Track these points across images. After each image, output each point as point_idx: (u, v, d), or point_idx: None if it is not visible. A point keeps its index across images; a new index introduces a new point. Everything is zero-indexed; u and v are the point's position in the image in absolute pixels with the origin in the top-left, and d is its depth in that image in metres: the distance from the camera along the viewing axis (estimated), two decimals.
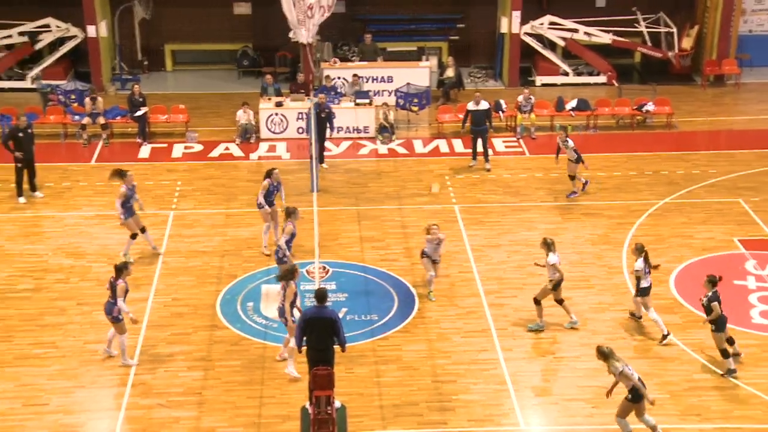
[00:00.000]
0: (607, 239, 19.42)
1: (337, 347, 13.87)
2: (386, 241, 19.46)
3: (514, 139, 25.03)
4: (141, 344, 15.82)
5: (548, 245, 16.08)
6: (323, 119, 22.56)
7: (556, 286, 16.17)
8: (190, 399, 14.53)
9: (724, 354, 15.07)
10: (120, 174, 18.15)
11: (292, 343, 14.65)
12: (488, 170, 22.71)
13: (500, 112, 25.49)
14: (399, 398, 14.60)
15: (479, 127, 22.81)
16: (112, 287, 15.02)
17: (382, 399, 14.59)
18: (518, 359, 15.52)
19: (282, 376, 15.05)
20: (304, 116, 24.40)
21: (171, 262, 18.54)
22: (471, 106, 22.91)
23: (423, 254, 17.30)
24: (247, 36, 30.53)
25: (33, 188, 21.17)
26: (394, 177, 22.70)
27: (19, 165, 20.82)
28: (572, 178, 21.32)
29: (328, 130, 22.97)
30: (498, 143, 24.43)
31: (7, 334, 16.07)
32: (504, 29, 29.33)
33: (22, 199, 20.91)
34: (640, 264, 16.03)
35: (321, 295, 13.91)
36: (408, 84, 26.27)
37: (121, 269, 15.06)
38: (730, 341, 15.27)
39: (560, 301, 16.38)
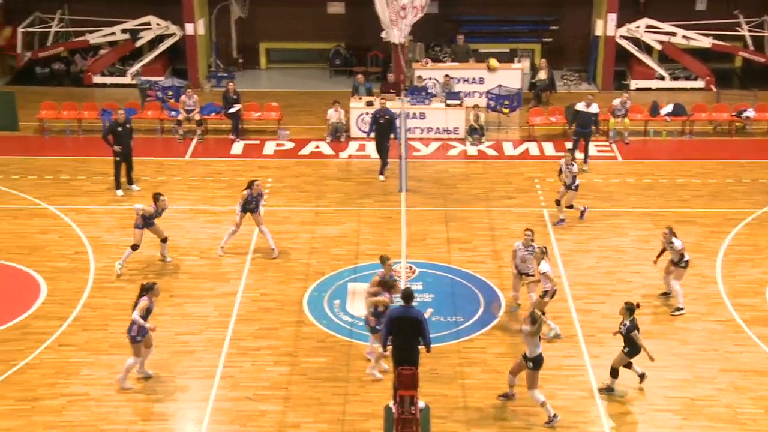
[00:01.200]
0: (701, 247, 18.98)
1: (422, 347, 13.90)
2: (473, 243, 19.41)
3: (607, 143, 24.68)
4: (229, 337, 16.10)
5: (543, 253, 15.83)
6: (383, 126, 22.40)
7: (548, 295, 15.83)
8: (276, 393, 14.73)
9: (614, 373, 14.65)
10: (154, 197, 18.15)
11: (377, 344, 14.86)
12: (585, 171, 22.51)
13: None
14: (483, 401, 14.55)
15: (585, 129, 22.75)
16: (135, 304, 14.69)
17: (466, 401, 14.56)
18: (605, 366, 15.24)
19: (366, 374, 15.14)
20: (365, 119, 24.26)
21: (260, 258, 18.82)
22: (581, 106, 22.80)
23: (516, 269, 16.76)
24: (340, 35, 30.77)
25: (130, 181, 21.73)
26: (483, 179, 22.62)
27: (118, 159, 21.39)
28: (558, 203, 20.20)
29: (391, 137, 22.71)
30: (590, 147, 24.09)
31: (103, 322, 16.54)
32: (599, 32, 28.93)
33: (119, 192, 21.48)
34: (679, 243, 16.62)
35: (407, 294, 13.95)
36: (499, 86, 26.12)
37: (147, 289, 14.66)
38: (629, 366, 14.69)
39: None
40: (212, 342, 16.00)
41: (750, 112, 25.30)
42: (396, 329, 13.80)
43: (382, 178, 22.59)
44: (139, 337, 14.61)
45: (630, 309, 14.41)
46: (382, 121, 22.36)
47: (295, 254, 18.97)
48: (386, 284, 15.01)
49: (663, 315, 16.72)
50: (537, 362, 13.93)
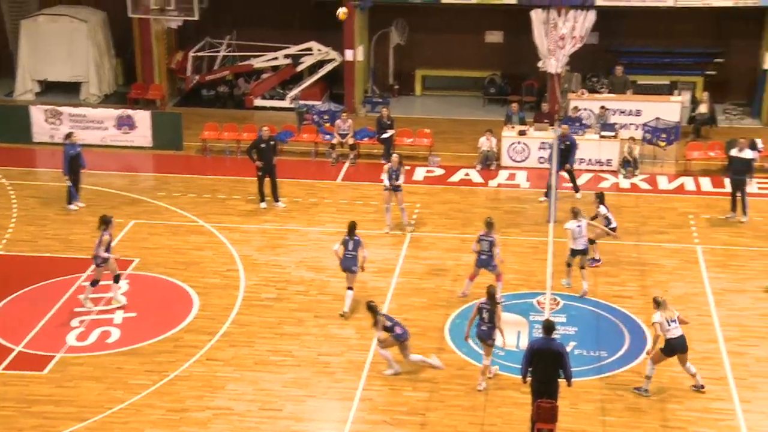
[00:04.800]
0: None
1: (562, 380, 13.71)
2: (621, 278, 18.99)
3: None
4: (370, 360, 16.28)
5: (658, 303, 15.14)
6: (563, 150, 22.34)
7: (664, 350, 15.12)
8: (414, 419, 14.79)
9: None
10: (105, 221, 17.61)
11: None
12: (742, 222, 21.30)
13: (756, 151, 24.14)
14: None
15: (738, 176, 21.26)
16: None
17: None
18: (757, 413, 14.66)
19: (505, 404, 15.03)
20: (547, 146, 24.30)
21: (404, 282, 18.99)
22: (733, 152, 21.58)
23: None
24: (496, 64, 30.81)
25: (276, 198, 22.46)
26: (634, 212, 22.09)
27: (260, 173, 22.20)
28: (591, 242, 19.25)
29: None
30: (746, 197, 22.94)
31: (249, 339, 17.04)
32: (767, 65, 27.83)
33: (263, 204, 22.32)
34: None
35: (548, 326, 13.83)
36: (657, 118, 25.53)
37: (107, 222, 17.40)
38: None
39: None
40: (353, 364, 16.22)
41: None
42: (536, 361, 13.69)
43: (578, 196, 22.86)
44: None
45: None
46: (562, 147, 22.34)
47: (440, 281, 19.05)
48: (492, 296, 15.48)
49: None
50: (669, 345, 14.95)
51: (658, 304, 15.12)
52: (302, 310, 17.96)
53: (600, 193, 19.81)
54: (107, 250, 17.43)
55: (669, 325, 14.92)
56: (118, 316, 17.55)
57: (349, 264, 17.68)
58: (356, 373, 15.95)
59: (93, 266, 17.90)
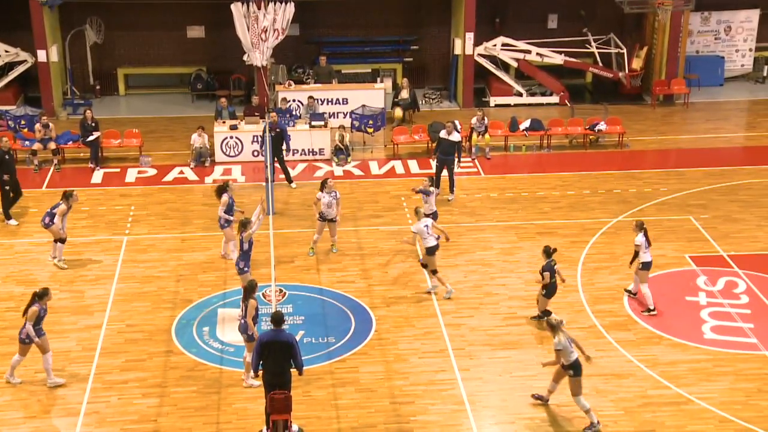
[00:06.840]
0: (562, 257, 19.50)
1: (294, 371, 13.83)
2: (343, 263, 19.44)
3: (469, 159, 25.17)
4: (94, 372, 15.60)
5: (552, 326, 14.47)
6: (275, 138, 22.55)
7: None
8: (145, 426, 14.35)
9: (546, 313, 16.58)
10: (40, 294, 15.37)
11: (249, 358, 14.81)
12: (449, 201, 22.47)
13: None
14: (357, 420, 14.54)
15: (447, 156, 22.37)
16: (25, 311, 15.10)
17: (340, 422, 14.53)
18: (475, 379, 15.56)
19: (239, 400, 14.95)
20: (259, 139, 24.40)
21: (125, 288, 18.35)
22: (442, 134, 22.61)
23: (320, 216, 19.09)
24: (201, 59, 30.48)
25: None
26: (350, 199, 22.70)
27: (7, 188, 20.67)
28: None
29: (284, 150, 23.07)
30: (454, 176, 24.27)
31: None
32: (458, 51, 29.56)
33: (14, 222, 20.87)
34: (640, 239, 17.27)
35: (277, 318, 13.88)
36: (363, 106, 26.35)
37: (41, 295, 15.01)
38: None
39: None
40: (75, 377, 15.45)
41: (602, 126, 26.32)
42: (267, 353, 13.70)
43: (293, 185, 23.28)
44: (27, 340, 14.96)
45: (546, 252, 16.65)
46: (273, 134, 22.37)
47: (162, 282, 18.59)
48: (249, 289, 15.16)
49: (529, 325, 17.11)
50: (575, 368, 14.16)
51: (552, 327, 14.24)
52: (14, 327, 16.69)
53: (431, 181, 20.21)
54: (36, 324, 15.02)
55: (571, 347, 14.19)
56: None
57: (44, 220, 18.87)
58: (80, 387, 15.22)
59: None
